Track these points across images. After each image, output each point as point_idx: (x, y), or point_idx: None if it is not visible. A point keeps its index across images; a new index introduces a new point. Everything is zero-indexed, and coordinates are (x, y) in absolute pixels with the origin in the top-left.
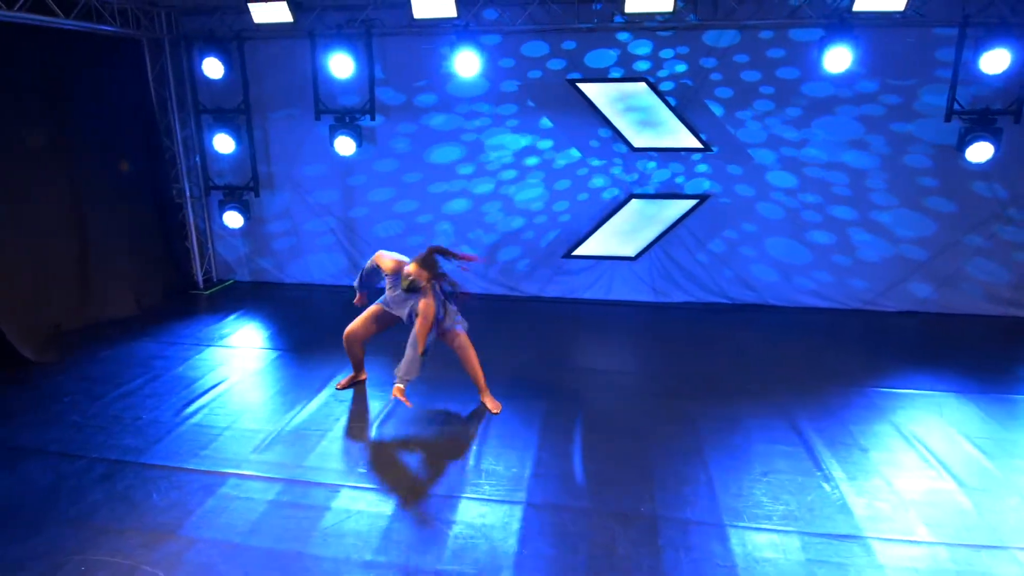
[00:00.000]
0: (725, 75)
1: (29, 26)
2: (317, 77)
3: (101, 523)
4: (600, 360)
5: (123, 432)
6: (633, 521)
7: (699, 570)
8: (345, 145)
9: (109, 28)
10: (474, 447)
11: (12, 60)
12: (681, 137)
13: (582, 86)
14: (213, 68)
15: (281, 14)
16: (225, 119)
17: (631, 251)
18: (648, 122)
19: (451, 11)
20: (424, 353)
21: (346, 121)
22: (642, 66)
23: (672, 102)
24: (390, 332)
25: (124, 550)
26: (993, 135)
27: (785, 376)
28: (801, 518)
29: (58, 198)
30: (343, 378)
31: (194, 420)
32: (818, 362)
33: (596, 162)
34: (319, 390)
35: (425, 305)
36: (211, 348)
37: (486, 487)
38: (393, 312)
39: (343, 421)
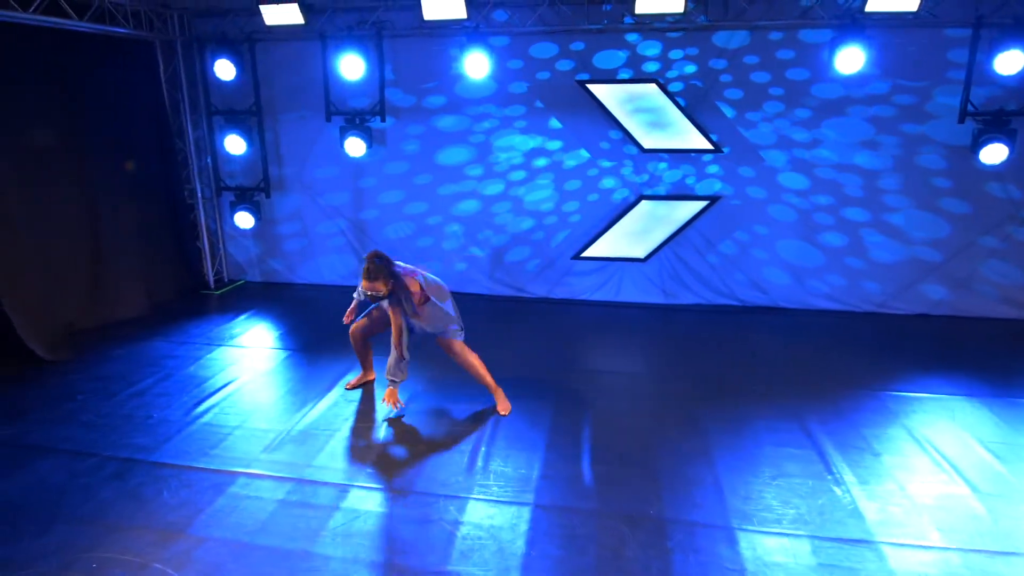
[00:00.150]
0: (735, 76)
1: (44, 28)
2: (328, 79)
3: (112, 521)
4: (608, 362)
5: (134, 431)
6: (641, 523)
7: (708, 573)
8: (355, 146)
9: (122, 30)
10: (482, 448)
11: (27, 61)
12: (691, 138)
13: (591, 87)
14: (225, 70)
15: (292, 16)
16: (237, 120)
17: (641, 252)
18: (658, 123)
19: (461, 13)
20: (403, 358)
21: (356, 122)
22: (651, 67)
23: (682, 103)
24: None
25: (134, 548)
26: (1008, 136)
27: (795, 378)
28: (812, 522)
29: (71, 198)
30: (352, 378)
31: (204, 419)
32: (829, 365)
33: (606, 163)
34: (328, 390)
35: (392, 311)
36: (222, 348)
37: (494, 488)
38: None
39: (352, 421)
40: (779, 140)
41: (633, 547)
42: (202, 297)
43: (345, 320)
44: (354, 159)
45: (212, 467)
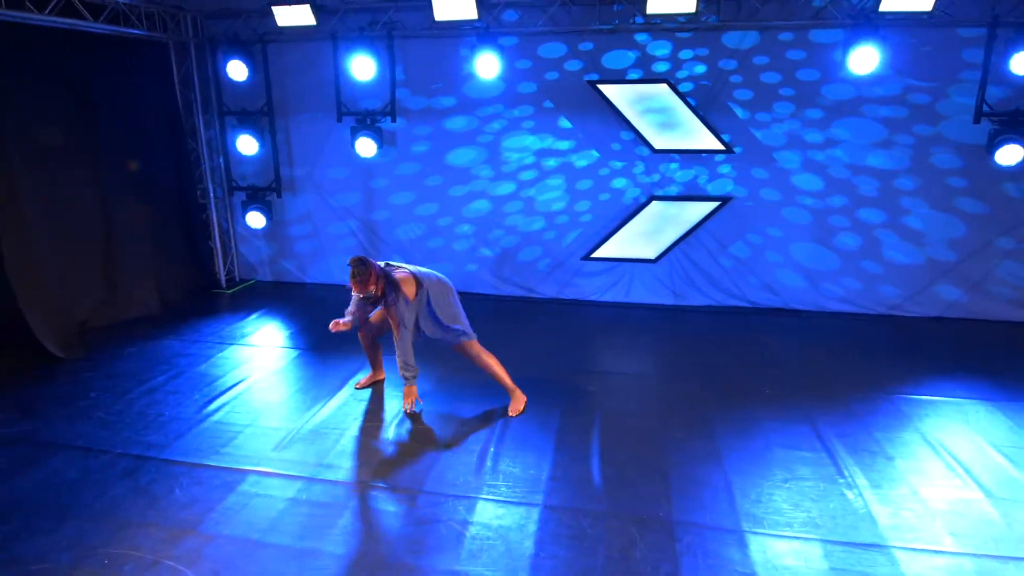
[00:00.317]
0: (745, 77)
1: (58, 29)
2: (339, 79)
3: (123, 517)
4: (618, 362)
5: (146, 428)
6: (651, 525)
7: None
8: (366, 146)
9: (137, 31)
10: (491, 448)
11: (42, 62)
12: (702, 139)
13: (602, 87)
14: (237, 70)
15: (304, 17)
16: (249, 121)
17: (651, 253)
18: (668, 123)
19: (472, 13)
20: (408, 364)
21: (367, 123)
22: (661, 67)
23: (692, 103)
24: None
25: (145, 544)
26: None
27: (807, 380)
28: (823, 526)
29: (85, 198)
30: (362, 377)
31: (215, 417)
32: (841, 367)
33: (617, 163)
34: (338, 389)
35: (391, 313)
36: (233, 346)
37: (503, 488)
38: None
39: (362, 420)
40: (791, 141)
41: (642, 549)
42: (213, 296)
43: (331, 328)
44: (365, 160)
45: (223, 465)
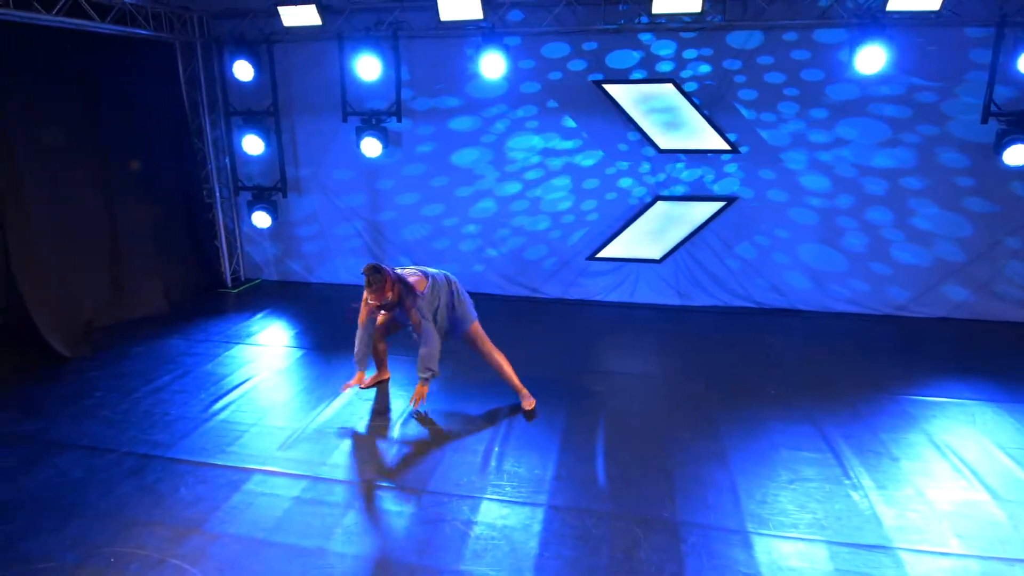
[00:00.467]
0: (751, 77)
1: (66, 29)
2: (345, 80)
3: (129, 516)
4: (623, 363)
5: (152, 427)
6: (655, 525)
7: None
8: (371, 146)
9: (143, 32)
10: (496, 448)
11: (49, 63)
12: (708, 139)
13: (608, 87)
14: (243, 71)
15: (310, 17)
16: (254, 121)
17: (656, 254)
18: (674, 123)
19: (477, 13)
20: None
21: (372, 123)
22: (665, 67)
23: (698, 103)
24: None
25: (151, 543)
26: None
27: (812, 381)
28: (829, 527)
29: (92, 198)
30: (367, 377)
31: (221, 416)
32: (847, 368)
33: (623, 163)
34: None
35: (412, 315)
36: (238, 346)
37: (508, 488)
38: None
39: (367, 420)
40: (797, 141)
41: (646, 549)
42: (219, 296)
43: (346, 386)
44: (371, 160)
45: (228, 464)
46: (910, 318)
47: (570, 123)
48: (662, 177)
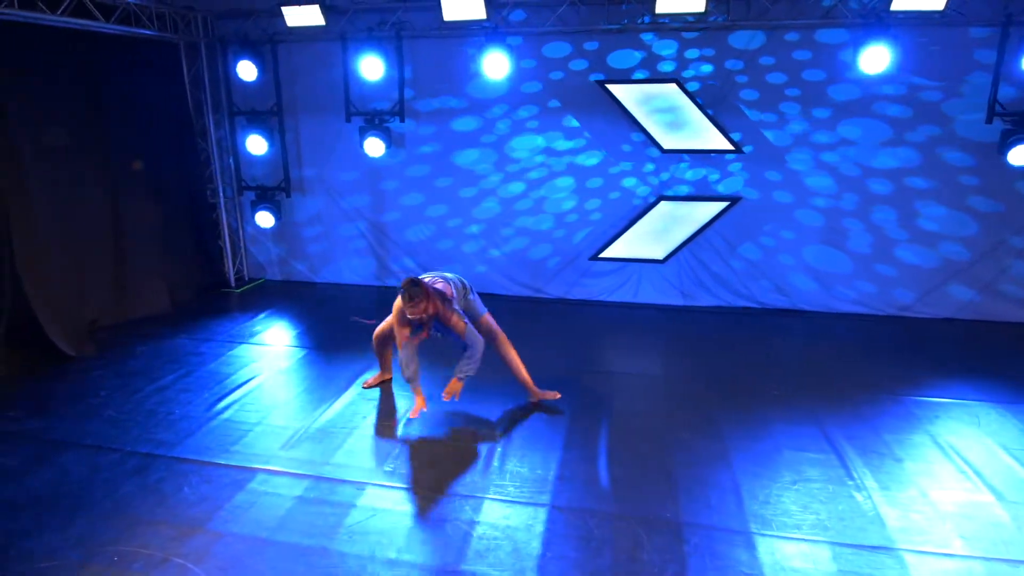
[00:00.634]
0: (753, 77)
1: (70, 30)
2: (348, 80)
3: (133, 515)
4: (626, 363)
5: (156, 426)
6: (658, 526)
7: None
8: (374, 146)
9: (147, 32)
10: (499, 448)
11: (54, 63)
12: (711, 139)
13: (611, 87)
14: (247, 71)
15: (314, 17)
16: (258, 121)
17: (660, 254)
18: (677, 123)
19: (480, 13)
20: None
21: (375, 123)
22: (667, 67)
23: (701, 103)
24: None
25: (155, 542)
26: None
27: (816, 382)
28: (831, 528)
29: (96, 198)
30: (370, 377)
31: (225, 416)
32: (850, 368)
33: (626, 163)
34: (346, 388)
35: (454, 321)
36: (242, 345)
37: (510, 488)
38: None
39: (369, 419)
40: (801, 141)
41: (649, 550)
42: (223, 295)
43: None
44: (374, 161)
45: (232, 463)
46: (914, 318)
47: (573, 123)
48: (666, 176)
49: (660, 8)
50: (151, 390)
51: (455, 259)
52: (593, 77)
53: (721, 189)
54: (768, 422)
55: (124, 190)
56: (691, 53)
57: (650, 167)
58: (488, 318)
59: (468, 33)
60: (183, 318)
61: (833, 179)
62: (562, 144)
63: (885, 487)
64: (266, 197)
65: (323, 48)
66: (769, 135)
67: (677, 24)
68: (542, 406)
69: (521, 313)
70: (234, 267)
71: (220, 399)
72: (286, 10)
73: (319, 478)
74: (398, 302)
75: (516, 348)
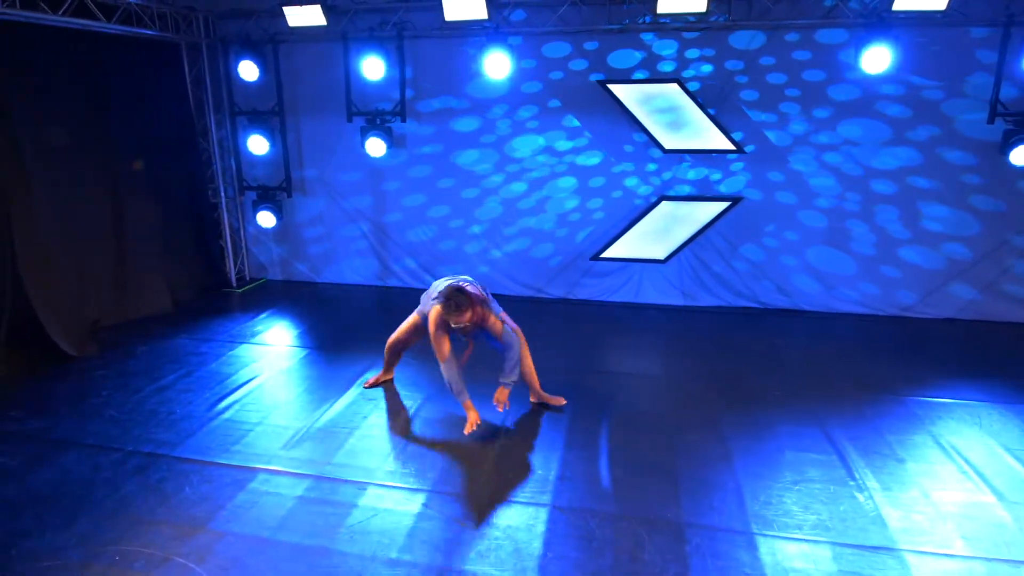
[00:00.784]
0: (752, 77)
1: (72, 30)
2: (349, 80)
3: (134, 514)
4: (627, 363)
5: (157, 426)
6: (660, 526)
7: None
8: (375, 146)
9: (149, 32)
10: (500, 448)
11: (56, 63)
12: (713, 139)
13: (612, 87)
14: (248, 71)
15: (315, 17)
16: (260, 121)
17: (661, 254)
18: (678, 123)
19: (482, 13)
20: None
21: (377, 123)
22: (667, 67)
23: (702, 103)
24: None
25: (156, 541)
26: None
27: (817, 382)
28: (833, 528)
29: (98, 198)
30: (371, 376)
31: (226, 415)
32: (852, 369)
33: (627, 163)
34: (347, 388)
35: (492, 322)
36: (243, 345)
37: (511, 488)
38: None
39: (371, 419)
40: (802, 141)
41: (651, 550)
42: (224, 295)
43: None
44: (376, 162)
45: (233, 463)
46: (916, 319)
47: (574, 122)
48: (668, 176)
49: (662, 8)
50: (152, 390)
51: (457, 260)
52: (593, 77)
53: (723, 189)
54: (770, 422)
55: (126, 190)
56: (691, 53)
57: (652, 166)
58: (504, 316)
59: (469, 33)
60: (184, 318)
61: (834, 179)
62: (563, 144)
63: (887, 487)
64: (267, 197)
65: (324, 48)
66: (771, 135)
67: (678, 24)
68: (543, 406)
69: (523, 313)
70: (235, 267)
71: (221, 399)
72: (287, 10)
73: (320, 478)
74: (434, 314)
75: None
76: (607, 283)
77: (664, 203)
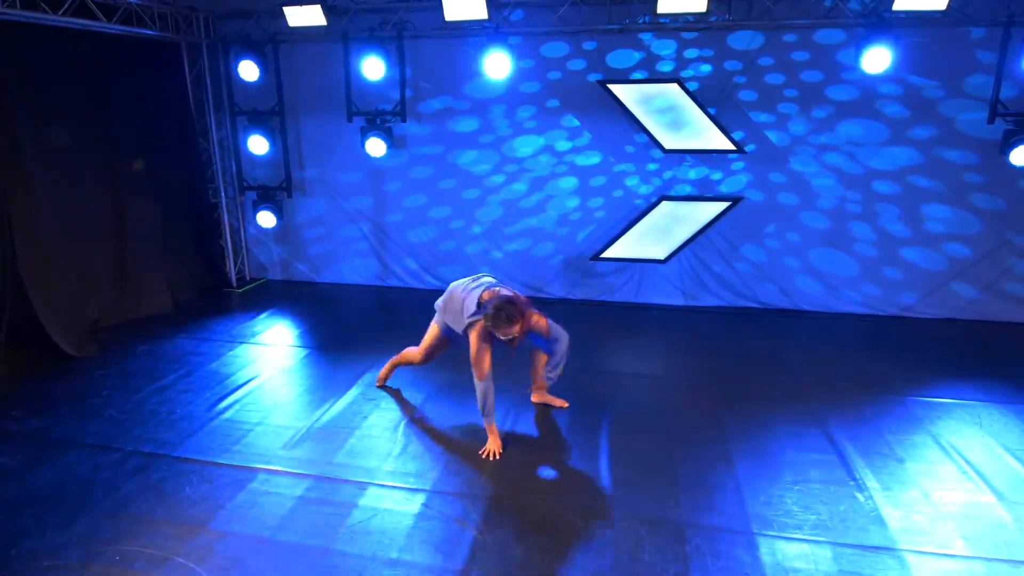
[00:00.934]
0: (751, 77)
1: (72, 30)
2: (350, 80)
3: (135, 514)
4: (628, 363)
5: (158, 426)
6: (660, 526)
7: None
8: (376, 146)
9: (150, 32)
10: (500, 448)
11: (56, 63)
12: (713, 139)
13: (612, 87)
14: (249, 71)
15: (315, 17)
16: (260, 121)
17: (661, 254)
18: (678, 123)
19: (482, 13)
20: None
21: (377, 123)
22: (666, 67)
23: (701, 103)
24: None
25: (157, 541)
26: None
27: (818, 382)
28: (833, 528)
29: (98, 198)
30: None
31: (226, 415)
32: (853, 369)
33: (627, 163)
34: (348, 388)
35: (535, 320)
36: (244, 345)
37: (512, 488)
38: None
39: (371, 419)
40: (802, 141)
41: (651, 550)
42: (224, 295)
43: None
44: (377, 162)
45: (233, 463)
46: (917, 319)
47: (573, 122)
48: (668, 176)
49: (662, 8)
50: (152, 390)
51: (458, 260)
52: (592, 77)
53: (723, 189)
54: (770, 422)
55: (126, 190)
56: (690, 53)
57: (652, 166)
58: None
59: (469, 33)
60: (185, 318)
61: (835, 179)
62: (563, 144)
63: (887, 487)
64: (267, 197)
65: (324, 48)
66: (771, 135)
67: (678, 24)
68: (546, 406)
69: None
70: (236, 267)
71: (221, 399)
72: (288, 10)
73: (320, 478)
74: (479, 330)
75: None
76: (607, 283)
77: (664, 203)
